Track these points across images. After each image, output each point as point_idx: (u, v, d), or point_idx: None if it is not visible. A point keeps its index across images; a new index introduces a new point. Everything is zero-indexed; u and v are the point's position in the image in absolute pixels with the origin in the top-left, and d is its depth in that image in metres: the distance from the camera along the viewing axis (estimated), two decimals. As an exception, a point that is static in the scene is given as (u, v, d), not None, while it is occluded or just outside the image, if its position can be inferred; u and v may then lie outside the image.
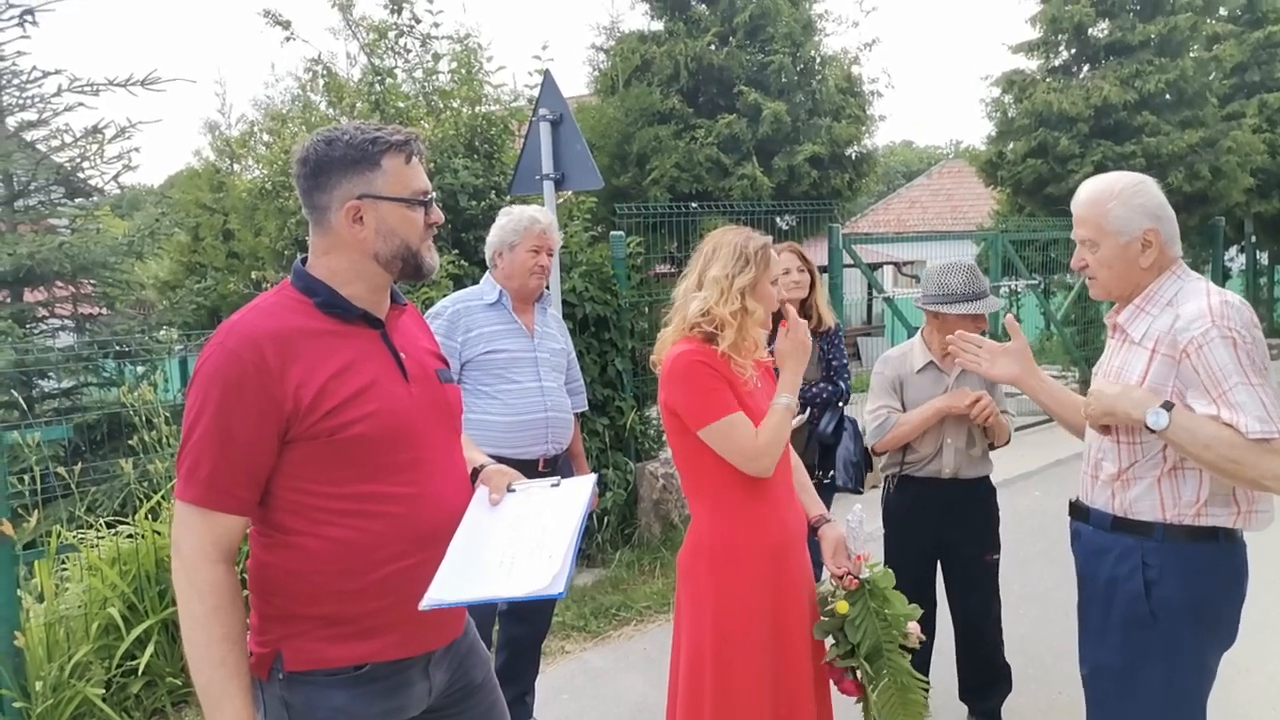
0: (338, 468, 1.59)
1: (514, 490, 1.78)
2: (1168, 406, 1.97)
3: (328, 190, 1.64)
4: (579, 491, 1.79)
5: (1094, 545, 2.21)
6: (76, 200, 8.54)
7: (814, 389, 3.86)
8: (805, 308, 3.88)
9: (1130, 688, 2.13)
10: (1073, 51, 13.12)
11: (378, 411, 1.63)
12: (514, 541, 1.65)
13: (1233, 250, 15.44)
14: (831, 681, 2.38)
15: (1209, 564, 2.05)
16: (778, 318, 2.44)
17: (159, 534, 4.09)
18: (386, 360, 1.69)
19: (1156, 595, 2.06)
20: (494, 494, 1.77)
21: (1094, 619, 2.21)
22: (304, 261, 1.71)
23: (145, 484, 4.45)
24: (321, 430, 1.57)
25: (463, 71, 7.99)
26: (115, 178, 8.26)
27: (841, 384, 3.93)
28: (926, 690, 2.38)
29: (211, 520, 1.54)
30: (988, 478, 3.36)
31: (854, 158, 11.35)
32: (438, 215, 1.73)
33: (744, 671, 2.22)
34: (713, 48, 10.37)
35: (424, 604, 1.54)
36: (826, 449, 3.89)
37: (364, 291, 1.69)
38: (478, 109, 7.33)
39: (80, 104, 7.51)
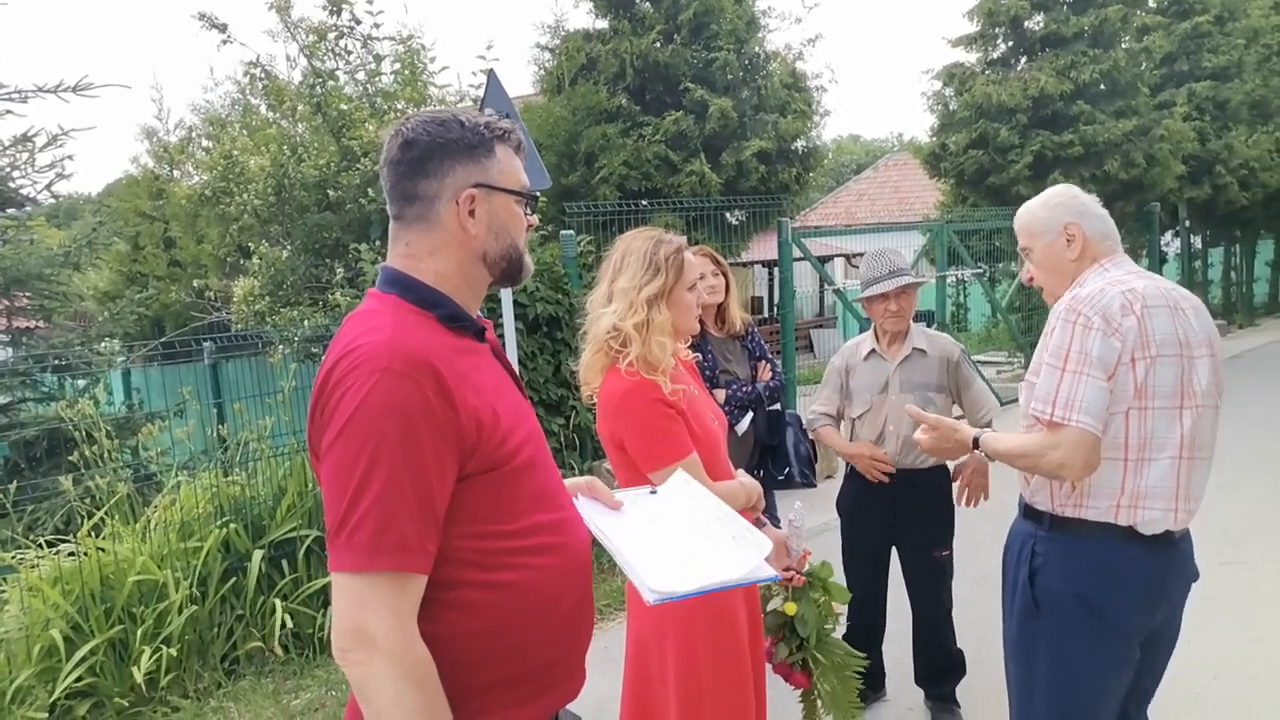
0: (513, 500, 1.40)
1: (620, 499, 1.80)
2: (975, 442, 2.19)
3: (438, 177, 1.42)
4: (688, 486, 1.85)
5: (1012, 531, 2.28)
6: (8, 211, 8.25)
7: (742, 389, 3.87)
8: (720, 312, 3.87)
9: (1025, 672, 2.17)
10: (1010, 44, 13.39)
11: (533, 432, 1.48)
12: (685, 538, 1.66)
13: (1168, 235, 15.90)
14: (781, 677, 2.41)
15: (1091, 559, 2.05)
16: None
17: (103, 551, 4.00)
18: (506, 377, 1.53)
19: (1040, 584, 2.10)
20: (610, 502, 1.76)
21: (1004, 605, 2.27)
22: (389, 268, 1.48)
23: (88, 500, 4.34)
24: (499, 459, 1.37)
25: (406, 73, 7.91)
26: (49, 187, 7.99)
27: (769, 382, 3.93)
28: (866, 661, 2.43)
29: (408, 587, 1.27)
30: (943, 469, 3.37)
31: (801, 152, 11.44)
32: (535, 217, 1.57)
33: (717, 672, 2.20)
34: (658, 45, 10.37)
35: (653, 598, 1.45)
36: (766, 447, 3.92)
37: (469, 299, 1.49)
38: (422, 110, 7.26)
39: (8, 111, 7.25)
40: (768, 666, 2.45)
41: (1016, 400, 2.41)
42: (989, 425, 3.32)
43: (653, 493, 1.86)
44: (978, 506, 3.22)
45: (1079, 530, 2.05)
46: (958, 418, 3.48)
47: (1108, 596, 2.03)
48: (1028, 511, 2.19)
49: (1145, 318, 1.97)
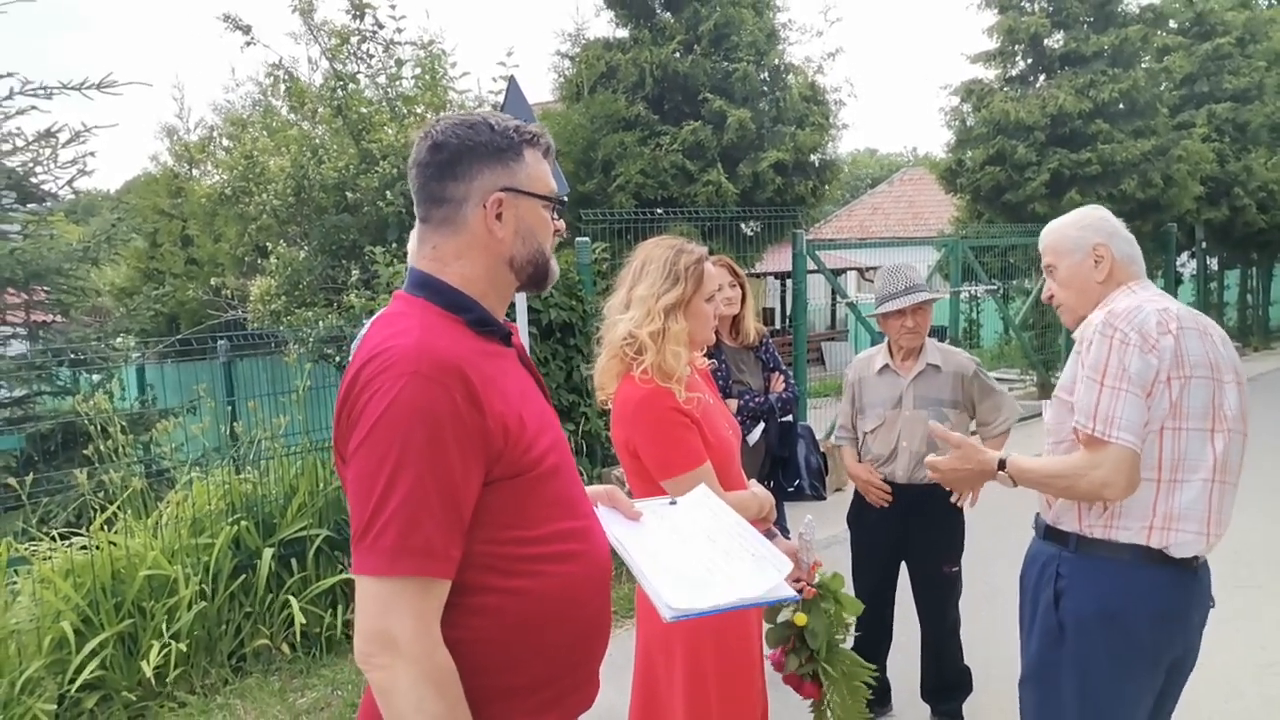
0: (539, 506, 1.40)
1: (640, 509, 1.79)
2: (1001, 465, 2.15)
3: (466, 180, 1.42)
4: (709, 500, 1.84)
5: (1031, 552, 2.25)
6: (29, 206, 8.34)
7: (755, 400, 3.87)
8: (736, 322, 3.87)
9: (1045, 697, 2.14)
10: (1029, 62, 13.35)
11: (558, 439, 1.48)
12: (703, 552, 1.64)
13: (1184, 256, 15.82)
14: (791, 688, 2.41)
15: (1119, 581, 2.02)
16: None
17: (114, 545, 4.02)
18: (532, 382, 1.53)
19: (1065, 606, 2.07)
20: (630, 512, 1.75)
21: (1023, 626, 2.24)
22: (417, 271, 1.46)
23: (100, 494, 4.36)
24: (525, 465, 1.37)
25: (427, 77, 7.95)
26: (70, 183, 8.08)
27: (781, 393, 3.93)
28: (873, 674, 2.42)
29: (432, 592, 1.27)
30: None
31: (817, 164, 11.42)
32: (561, 223, 1.57)
33: (724, 676, 2.20)
34: (677, 55, 10.38)
35: (670, 615, 1.45)
36: (777, 458, 3.92)
37: (496, 303, 1.49)
38: (442, 115, 7.30)
39: (33, 107, 7.33)
40: (774, 676, 2.45)
41: (1033, 416, 2.40)
42: (1006, 434, 3.32)
43: (672, 503, 1.86)
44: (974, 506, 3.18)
45: (1107, 551, 2.03)
46: (972, 433, 3.49)
47: (1135, 619, 2.00)
48: (1049, 533, 2.17)
49: (1181, 337, 1.97)
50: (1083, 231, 2.21)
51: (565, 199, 1.57)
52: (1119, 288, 2.16)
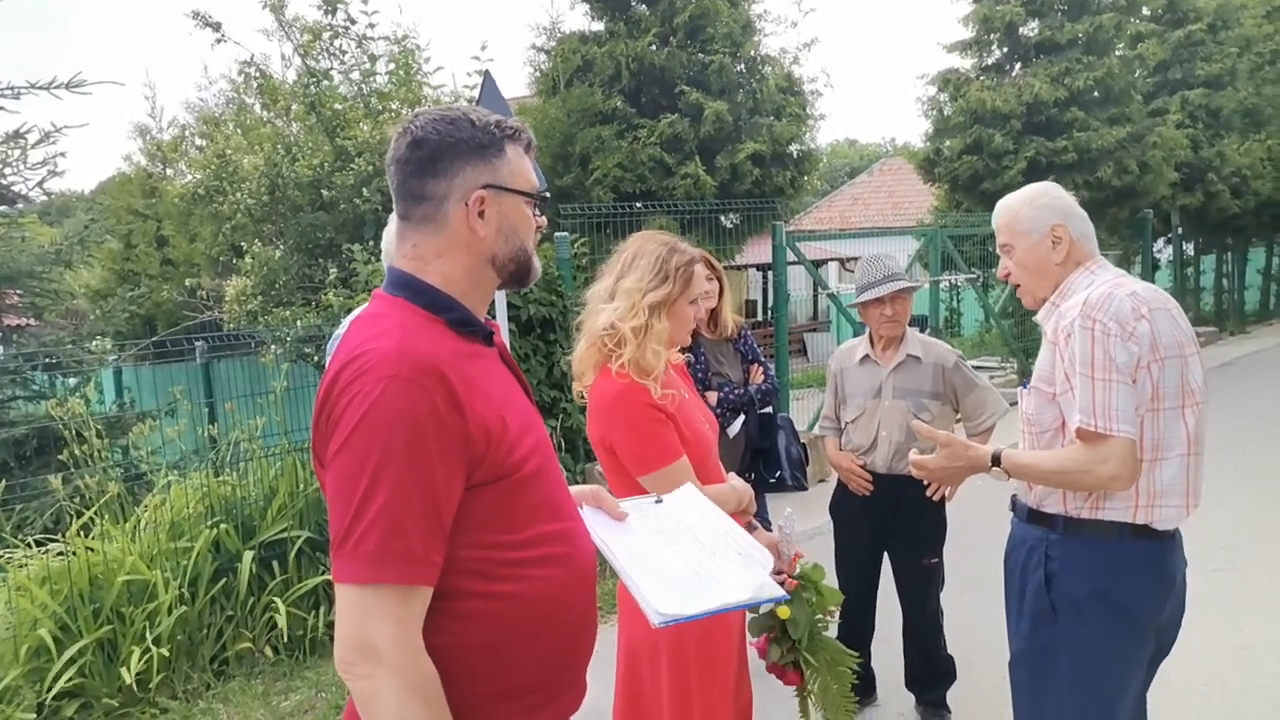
0: (522, 509, 1.38)
1: (626, 509, 1.76)
2: (996, 460, 2.14)
3: (447, 177, 1.39)
4: (695, 499, 1.83)
5: (1015, 537, 2.26)
6: (0, 208, 8.23)
7: (734, 392, 3.88)
8: (713, 315, 3.88)
9: (1040, 678, 2.16)
10: (1005, 50, 13.44)
11: (541, 440, 1.45)
12: (690, 553, 1.63)
13: (1160, 242, 15.97)
14: (774, 676, 2.42)
15: (1109, 558, 2.06)
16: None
17: (92, 550, 3.97)
18: (514, 382, 1.51)
19: (1056, 588, 2.09)
20: (615, 512, 1.72)
21: (1011, 609, 2.26)
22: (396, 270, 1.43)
23: (77, 500, 4.32)
24: (507, 468, 1.35)
25: (401, 73, 7.90)
26: (40, 184, 7.96)
27: (760, 385, 3.94)
28: (858, 663, 2.43)
29: (413, 599, 1.25)
30: None
31: (795, 155, 11.44)
32: (543, 219, 1.55)
33: (707, 669, 2.21)
34: (653, 48, 10.36)
35: (659, 621, 1.44)
36: (758, 450, 3.93)
37: (478, 303, 1.46)
38: (420, 110, 7.24)
39: (1, 108, 7.24)
40: (758, 664, 2.46)
41: (1015, 403, 2.39)
42: (992, 429, 3.32)
43: (658, 501, 1.85)
44: (951, 500, 3.20)
45: (1095, 531, 2.06)
46: (956, 421, 3.50)
47: (1129, 593, 2.04)
48: (1033, 516, 2.18)
49: (1153, 320, 1.99)
50: (1039, 211, 2.19)
51: (547, 194, 1.55)
52: (1077, 268, 2.16)
